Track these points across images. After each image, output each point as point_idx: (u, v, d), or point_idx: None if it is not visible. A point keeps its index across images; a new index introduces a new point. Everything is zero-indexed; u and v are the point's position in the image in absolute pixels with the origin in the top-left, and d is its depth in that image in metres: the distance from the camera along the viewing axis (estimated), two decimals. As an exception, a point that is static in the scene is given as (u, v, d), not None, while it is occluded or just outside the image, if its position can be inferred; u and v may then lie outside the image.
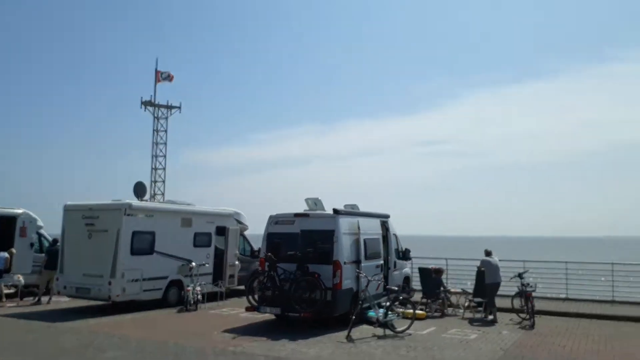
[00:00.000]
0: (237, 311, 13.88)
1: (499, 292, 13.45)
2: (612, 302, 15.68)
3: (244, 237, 18.04)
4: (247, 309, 12.15)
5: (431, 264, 15.86)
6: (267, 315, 12.49)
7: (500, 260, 13.77)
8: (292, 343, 10.00)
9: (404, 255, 15.74)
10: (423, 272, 14.97)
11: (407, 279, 15.96)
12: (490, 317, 13.04)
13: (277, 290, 11.60)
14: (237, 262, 16.73)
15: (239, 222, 17.54)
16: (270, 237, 12.65)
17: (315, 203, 13.08)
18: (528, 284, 12.93)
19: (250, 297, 12.09)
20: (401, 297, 12.17)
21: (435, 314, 13.82)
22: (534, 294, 12.83)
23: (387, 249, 14.42)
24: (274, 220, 12.79)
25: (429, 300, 14.18)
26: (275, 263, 11.81)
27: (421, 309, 13.52)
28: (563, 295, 16.43)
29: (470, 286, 14.99)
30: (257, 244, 14.63)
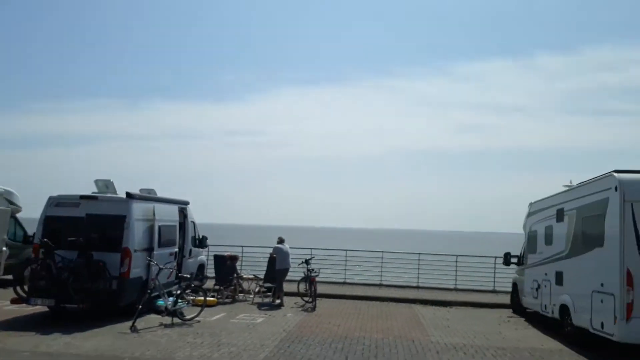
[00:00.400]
0: (0, 304, 12.10)
1: (288, 277, 14.39)
2: (380, 285, 18.10)
3: (16, 220, 15.80)
4: (13, 301, 10.70)
5: (228, 252, 16.12)
6: (38, 308, 11.20)
7: (291, 247, 14.72)
8: (66, 336, 9.14)
9: (201, 243, 15.68)
10: (218, 259, 15.12)
11: (201, 267, 15.94)
12: (278, 301, 13.86)
13: (52, 280, 10.46)
14: (4, 249, 14.50)
15: (11, 202, 15.25)
16: (49, 221, 11.36)
17: (106, 185, 12.13)
18: (313, 270, 14.12)
19: (18, 288, 10.69)
20: (193, 285, 12.12)
21: (227, 300, 14.11)
22: (317, 279, 14.08)
23: (183, 236, 14.17)
24: (55, 201, 11.51)
25: (222, 287, 14.41)
26: (52, 249, 10.65)
27: (213, 296, 13.65)
28: (342, 280, 18.37)
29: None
30: (33, 229, 12.97)
